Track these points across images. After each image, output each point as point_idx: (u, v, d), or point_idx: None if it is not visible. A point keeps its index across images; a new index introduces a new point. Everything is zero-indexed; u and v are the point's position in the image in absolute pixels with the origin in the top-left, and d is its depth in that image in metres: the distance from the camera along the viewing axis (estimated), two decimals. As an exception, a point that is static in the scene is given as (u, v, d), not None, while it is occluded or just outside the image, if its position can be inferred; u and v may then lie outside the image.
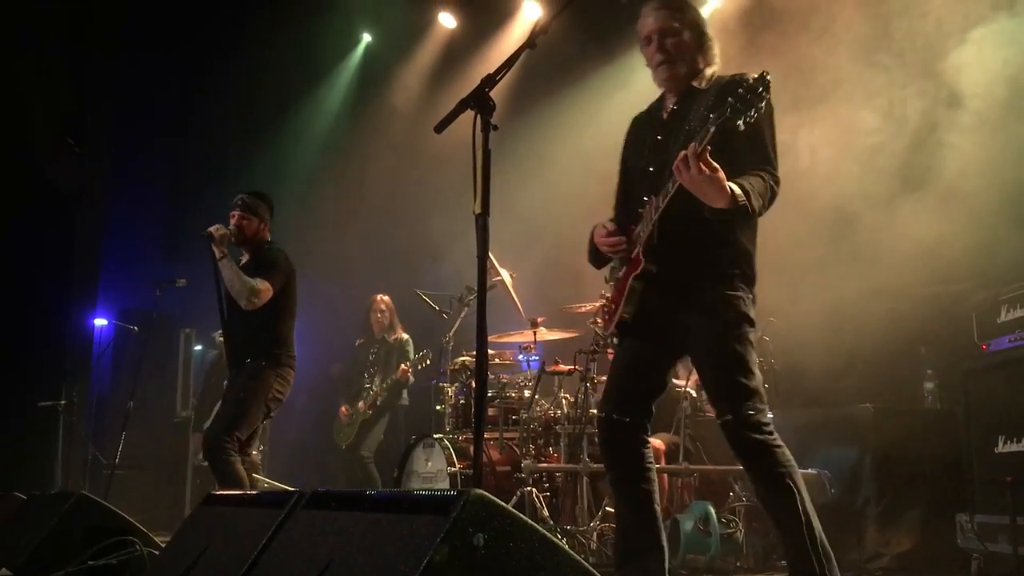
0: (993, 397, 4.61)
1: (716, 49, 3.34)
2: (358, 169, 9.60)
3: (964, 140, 5.51)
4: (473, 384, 5.83)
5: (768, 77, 2.83)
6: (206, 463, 7.53)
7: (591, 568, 1.83)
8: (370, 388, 7.63)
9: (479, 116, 2.71)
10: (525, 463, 5.31)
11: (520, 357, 6.35)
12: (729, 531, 4.93)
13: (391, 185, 9.26)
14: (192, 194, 9.38)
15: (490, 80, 2.77)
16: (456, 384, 6.29)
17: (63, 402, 7.80)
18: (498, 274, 5.87)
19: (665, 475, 5.58)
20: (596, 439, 5.54)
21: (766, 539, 5.07)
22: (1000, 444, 4.52)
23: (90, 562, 3.40)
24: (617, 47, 8.10)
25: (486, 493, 1.77)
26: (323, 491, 2.30)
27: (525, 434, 5.58)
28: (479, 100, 2.73)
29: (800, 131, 6.72)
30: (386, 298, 7.91)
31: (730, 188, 2.88)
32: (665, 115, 3.36)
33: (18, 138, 8.13)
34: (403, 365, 7.48)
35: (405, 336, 7.86)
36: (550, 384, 6.01)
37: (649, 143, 3.34)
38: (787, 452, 3.04)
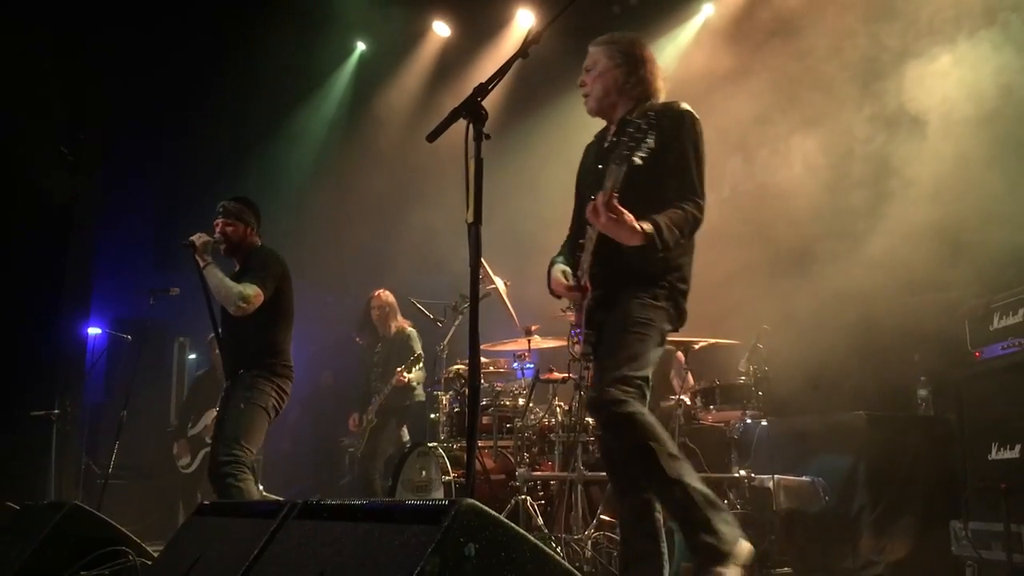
0: (987, 404, 4.61)
1: (658, 81, 3.52)
2: (352, 178, 9.60)
3: (958, 146, 5.53)
4: (467, 392, 5.83)
5: (684, 107, 3.22)
6: (190, 471, 7.54)
7: (584, 577, 1.83)
8: (377, 393, 7.27)
9: (471, 125, 2.72)
10: (519, 471, 5.30)
11: (514, 365, 6.34)
12: (723, 539, 4.91)
13: (385, 194, 9.27)
14: (185, 203, 9.37)
15: (482, 89, 2.77)
16: (450, 392, 6.28)
17: (56, 411, 7.77)
18: (492, 282, 5.87)
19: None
20: (591, 447, 5.58)
21: (760, 546, 5.06)
22: (994, 451, 4.52)
23: (82, 572, 3.38)
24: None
25: (478, 503, 1.77)
26: (315, 502, 2.29)
27: (519, 442, 5.57)
28: (471, 109, 2.73)
29: (793, 138, 6.76)
30: (384, 293, 7.56)
31: (641, 228, 3.10)
32: (606, 144, 3.54)
33: (11, 148, 8.12)
34: (398, 370, 7.05)
35: (407, 327, 7.48)
36: (544, 392, 6.01)
37: (593, 172, 3.49)
38: (655, 426, 3.17)
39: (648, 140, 3.05)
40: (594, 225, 3.19)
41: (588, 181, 3.56)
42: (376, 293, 7.58)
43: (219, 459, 4.48)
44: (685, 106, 3.32)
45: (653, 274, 3.34)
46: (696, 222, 3.28)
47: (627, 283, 3.34)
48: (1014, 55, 5.41)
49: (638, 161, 3.05)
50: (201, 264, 4.75)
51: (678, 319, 3.42)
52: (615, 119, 3.56)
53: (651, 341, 3.29)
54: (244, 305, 4.66)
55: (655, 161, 3.11)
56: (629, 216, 3.09)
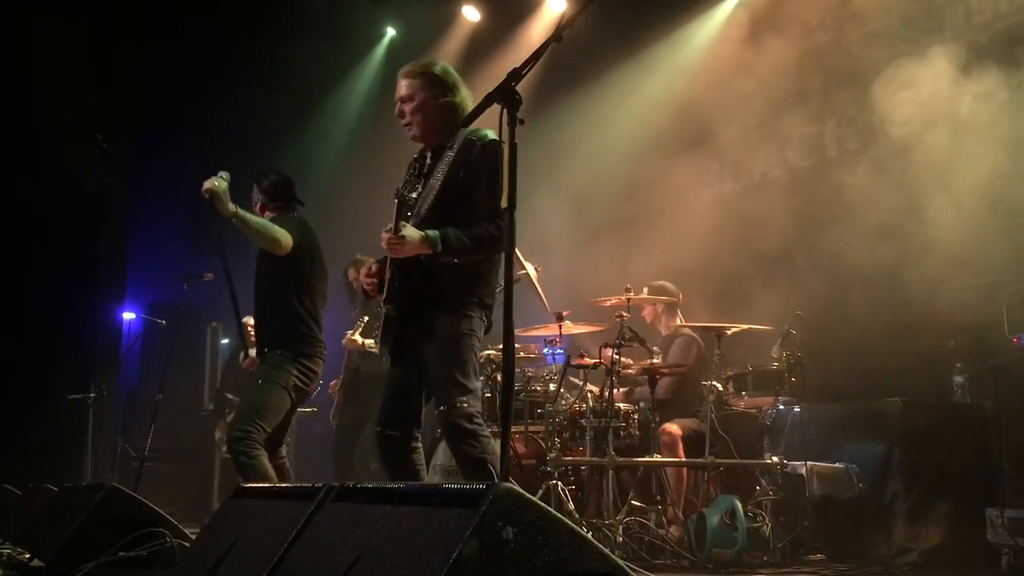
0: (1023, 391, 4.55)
1: (467, 106, 3.67)
2: (383, 163, 9.59)
3: (999, 136, 5.46)
4: (499, 378, 5.84)
5: (490, 138, 3.51)
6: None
7: (619, 561, 1.83)
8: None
9: (505, 110, 2.71)
10: (550, 456, 5.31)
11: (545, 350, 6.34)
12: (756, 525, 4.90)
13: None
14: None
15: (516, 74, 2.76)
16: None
17: (92, 395, 7.89)
18: (523, 268, 5.86)
19: (684, 468, 5.57)
20: (622, 433, 5.58)
21: (793, 533, 5.05)
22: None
23: (120, 553, 3.43)
24: (639, 40, 8.08)
25: (515, 487, 1.77)
26: (352, 485, 2.31)
27: (550, 427, 5.58)
28: (505, 94, 2.72)
29: (826, 122, 6.68)
30: (360, 259, 6.95)
31: (425, 235, 3.44)
32: (425, 167, 3.74)
33: (46, 135, 8.22)
34: (348, 333, 6.64)
35: None
36: (575, 377, 6.01)
37: (413, 189, 3.67)
38: (492, 443, 3.51)
39: (458, 170, 3.55)
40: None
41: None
42: (360, 257, 7.02)
43: (231, 435, 4.44)
44: (491, 136, 3.55)
45: (461, 287, 3.60)
46: (492, 239, 3.49)
47: (432, 300, 3.59)
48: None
49: (440, 189, 3.57)
50: (231, 212, 4.38)
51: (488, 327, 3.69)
52: (433, 144, 3.75)
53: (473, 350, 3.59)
54: (285, 243, 4.57)
55: (462, 188, 3.55)
56: (408, 244, 3.44)
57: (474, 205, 3.55)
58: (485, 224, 3.50)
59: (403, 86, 3.74)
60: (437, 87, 3.70)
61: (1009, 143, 5.40)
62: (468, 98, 3.74)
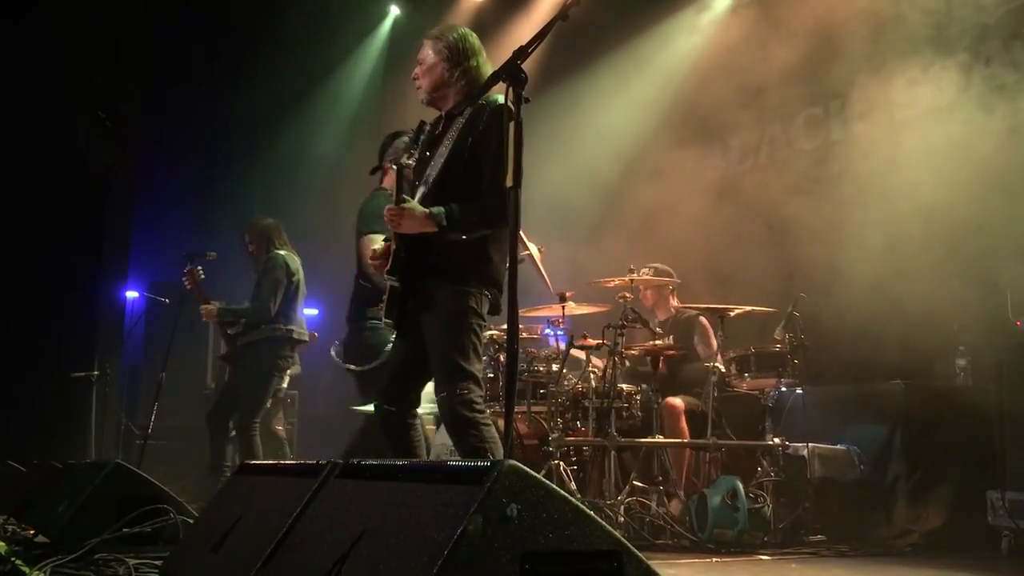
0: (1027, 374, 4.56)
1: (485, 73, 3.61)
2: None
3: (996, 122, 5.44)
4: (502, 358, 5.84)
5: (499, 103, 3.31)
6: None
7: (623, 539, 1.84)
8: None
9: (511, 88, 2.70)
10: (553, 436, 5.32)
11: (547, 331, 6.34)
12: (757, 506, 4.92)
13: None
14: (222, 168, 9.43)
15: (522, 52, 2.75)
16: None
17: (96, 373, 7.91)
18: (526, 248, 5.85)
19: (688, 449, 5.59)
20: (624, 413, 5.59)
21: (794, 514, 5.07)
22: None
23: (125, 530, 3.44)
24: (644, 20, 8.04)
25: (520, 464, 1.78)
26: (356, 461, 2.32)
27: (553, 408, 5.59)
28: (511, 72, 2.72)
29: (831, 104, 6.66)
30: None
31: (429, 212, 3.41)
32: (437, 133, 3.72)
33: (50, 113, 8.20)
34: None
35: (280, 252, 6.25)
36: (578, 358, 6.02)
37: (421, 156, 3.68)
38: (492, 430, 3.46)
39: (467, 136, 3.48)
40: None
41: (417, 164, 3.72)
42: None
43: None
44: (500, 100, 3.28)
45: (462, 262, 3.52)
46: (493, 212, 3.40)
47: (434, 274, 3.52)
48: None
49: (448, 157, 3.51)
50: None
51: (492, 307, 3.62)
52: (444, 110, 3.74)
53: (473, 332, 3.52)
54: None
55: (471, 155, 3.47)
56: (408, 220, 3.43)
57: (481, 173, 3.48)
58: (486, 196, 3.42)
59: (422, 48, 3.76)
60: (450, 52, 3.66)
61: (1011, 127, 5.38)
62: (485, 64, 3.69)
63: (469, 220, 3.45)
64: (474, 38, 3.75)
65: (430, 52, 3.69)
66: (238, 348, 6.20)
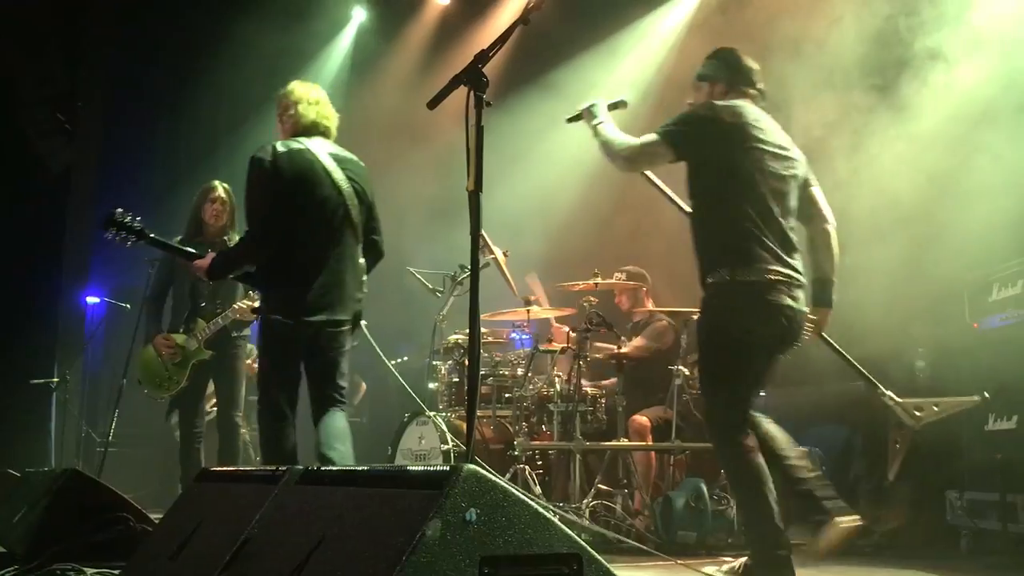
0: (984, 376, 4.62)
1: (305, 120, 4.45)
2: (350, 146, 9.55)
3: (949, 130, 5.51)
4: (466, 362, 5.84)
5: (253, 156, 4.15)
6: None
7: (584, 543, 1.84)
8: (205, 317, 5.49)
9: (472, 92, 2.70)
10: (518, 441, 5.33)
11: (513, 335, 6.35)
12: (720, 508, 4.96)
13: (383, 162, 9.22)
14: (185, 171, 9.33)
15: (483, 56, 2.76)
16: (449, 362, 6.28)
17: (56, 380, 7.80)
18: (492, 252, 5.86)
19: (653, 452, 5.61)
20: (589, 417, 5.60)
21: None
22: (990, 422, 4.55)
23: (83, 539, 3.40)
24: (607, 27, 8.08)
25: (480, 469, 1.78)
26: (317, 468, 2.30)
27: (518, 412, 5.59)
28: (472, 76, 2.72)
29: (794, 110, 6.71)
30: (227, 186, 5.78)
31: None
32: None
33: (9, 115, 8.08)
34: (245, 301, 5.43)
35: None
36: (543, 362, 6.03)
37: None
38: None
39: None
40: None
41: None
42: (216, 183, 5.83)
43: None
44: (255, 154, 4.15)
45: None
46: (245, 251, 4.20)
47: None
48: None
49: None
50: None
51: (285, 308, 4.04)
52: None
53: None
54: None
55: None
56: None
57: None
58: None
59: None
60: (277, 105, 4.50)
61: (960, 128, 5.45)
62: (301, 114, 4.43)
63: (225, 260, 4.33)
64: (294, 91, 4.47)
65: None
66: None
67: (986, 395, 4.23)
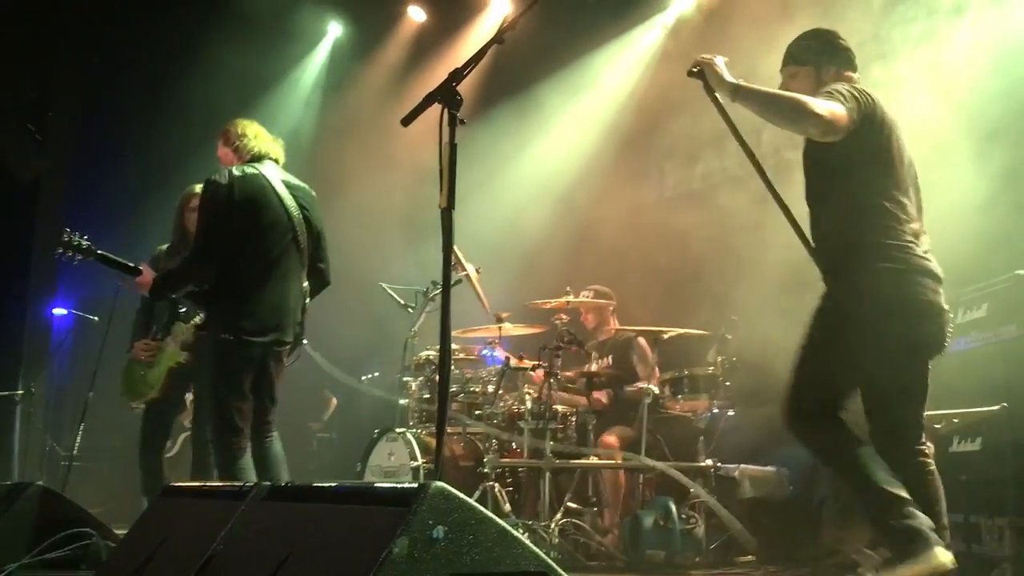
0: (951, 398, 4.67)
1: (252, 150, 4.49)
2: (324, 161, 9.54)
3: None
4: (437, 379, 5.82)
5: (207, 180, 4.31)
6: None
7: (551, 561, 1.85)
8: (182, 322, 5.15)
9: (446, 110, 2.72)
10: (488, 458, 5.32)
11: (484, 352, 6.35)
12: (689, 527, 4.97)
13: (357, 178, 9.22)
14: (156, 183, 9.26)
15: (457, 74, 2.77)
16: (420, 378, 6.26)
17: (21, 392, 7.71)
18: (464, 269, 5.86)
19: (622, 472, 5.62)
20: (559, 435, 5.61)
21: (726, 535, 5.12)
22: (955, 444, 4.59)
23: (46, 554, 3.36)
24: (580, 49, 8.14)
25: (448, 486, 1.78)
26: (283, 484, 2.29)
27: (489, 428, 5.58)
28: (446, 94, 2.73)
29: (763, 135, 6.79)
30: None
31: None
32: None
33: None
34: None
35: None
36: (514, 379, 6.03)
37: None
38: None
39: None
40: None
41: None
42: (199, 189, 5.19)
43: None
44: (211, 177, 4.26)
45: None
46: (187, 270, 4.25)
47: None
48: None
49: None
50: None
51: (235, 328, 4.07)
52: None
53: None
54: None
55: None
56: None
57: None
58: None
59: None
60: (223, 136, 4.57)
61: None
62: (246, 145, 4.51)
63: (170, 279, 4.34)
64: (239, 123, 4.58)
65: None
66: None
67: (1005, 405, 4.24)
